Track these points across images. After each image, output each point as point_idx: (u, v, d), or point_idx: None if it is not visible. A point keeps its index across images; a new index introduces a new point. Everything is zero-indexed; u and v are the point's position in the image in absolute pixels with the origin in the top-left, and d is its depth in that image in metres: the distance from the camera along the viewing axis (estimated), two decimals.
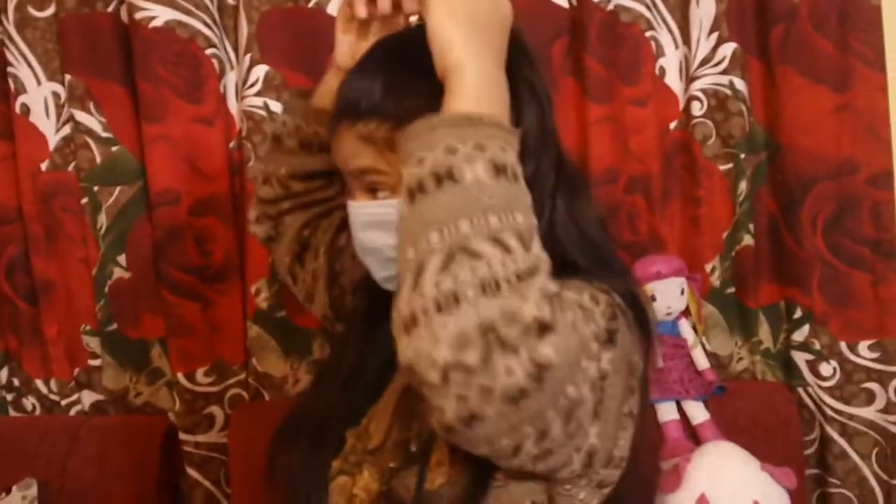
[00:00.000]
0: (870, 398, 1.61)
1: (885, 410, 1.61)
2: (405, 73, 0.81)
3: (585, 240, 0.83)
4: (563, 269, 0.72)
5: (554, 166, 0.83)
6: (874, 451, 1.62)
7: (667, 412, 1.59)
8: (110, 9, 1.66)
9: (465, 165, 0.65)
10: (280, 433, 0.98)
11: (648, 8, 1.61)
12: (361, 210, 0.85)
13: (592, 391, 0.70)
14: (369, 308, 0.99)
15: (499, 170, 0.67)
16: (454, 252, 0.63)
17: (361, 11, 0.90)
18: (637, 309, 0.79)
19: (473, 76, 0.71)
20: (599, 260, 0.83)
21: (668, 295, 1.58)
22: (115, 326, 1.72)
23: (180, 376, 1.68)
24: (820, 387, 1.63)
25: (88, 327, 1.75)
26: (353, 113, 0.82)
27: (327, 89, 1.01)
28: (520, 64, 0.82)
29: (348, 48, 0.97)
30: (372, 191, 0.85)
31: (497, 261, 0.62)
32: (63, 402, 1.77)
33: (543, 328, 0.62)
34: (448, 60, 0.72)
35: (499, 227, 0.64)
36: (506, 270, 0.62)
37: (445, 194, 0.65)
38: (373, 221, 0.84)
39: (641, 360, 0.79)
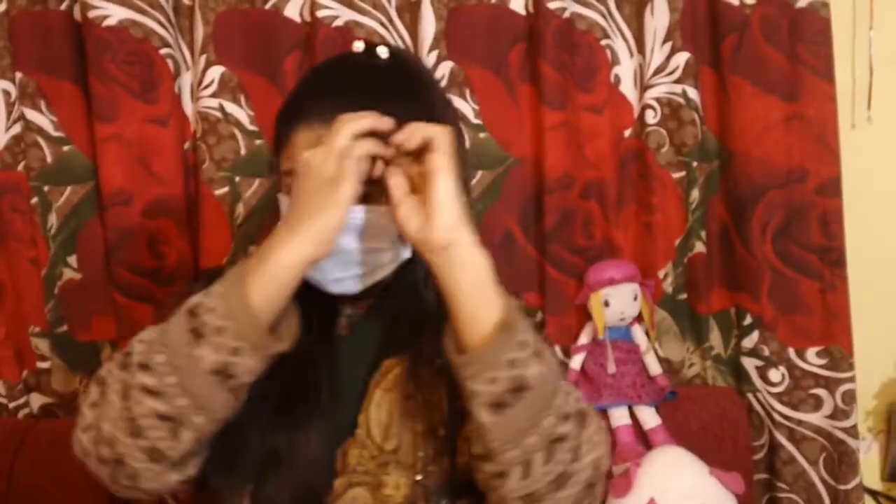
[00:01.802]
0: (817, 404, 1.64)
1: (833, 416, 1.63)
2: (399, 98, 0.87)
3: None
4: None
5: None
6: (822, 457, 1.64)
7: (619, 417, 1.60)
8: (63, 7, 1.64)
9: (527, 372, 0.77)
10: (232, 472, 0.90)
11: (604, 17, 1.62)
12: (356, 215, 0.84)
13: None
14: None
15: (539, 353, 0.79)
16: (550, 446, 0.78)
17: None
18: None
19: (481, 258, 0.79)
20: None
21: (622, 300, 1.60)
22: (64, 328, 1.70)
23: None
24: (769, 392, 1.65)
25: (37, 329, 1.72)
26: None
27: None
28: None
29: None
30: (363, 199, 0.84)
31: (574, 433, 0.79)
32: (11, 405, 1.74)
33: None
34: (455, 235, 0.78)
35: (562, 402, 0.79)
36: (581, 435, 0.80)
37: (525, 401, 0.77)
38: (358, 226, 0.85)
39: None
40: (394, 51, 0.91)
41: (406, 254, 0.91)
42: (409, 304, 0.94)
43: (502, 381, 0.76)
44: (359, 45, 0.92)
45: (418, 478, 0.89)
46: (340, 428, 0.91)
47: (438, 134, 0.78)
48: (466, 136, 0.86)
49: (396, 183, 0.80)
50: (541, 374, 0.77)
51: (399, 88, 0.89)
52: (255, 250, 0.82)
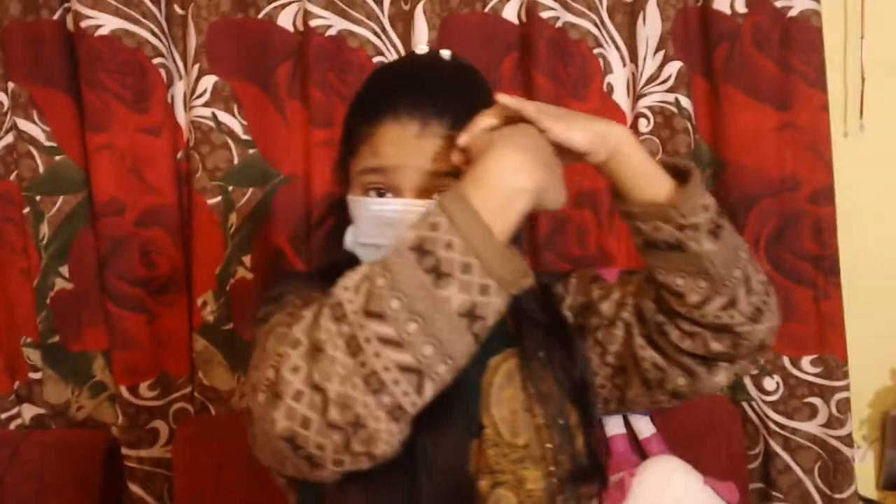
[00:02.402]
0: (812, 412, 1.64)
1: (828, 425, 1.63)
2: (474, 97, 0.91)
3: None
4: None
5: None
6: (817, 465, 1.64)
7: (613, 426, 1.59)
8: (56, 17, 1.64)
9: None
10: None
11: (596, 26, 1.62)
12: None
13: None
14: None
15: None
16: (753, 260, 0.90)
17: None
18: None
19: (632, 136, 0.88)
20: None
21: None
22: (56, 339, 1.69)
23: (123, 390, 1.65)
24: (764, 401, 1.65)
25: (29, 339, 1.71)
26: (450, 118, 0.88)
27: None
28: None
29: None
30: (432, 193, 0.88)
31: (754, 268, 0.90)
32: (2, 416, 1.73)
33: None
34: (614, 130, 0.87)
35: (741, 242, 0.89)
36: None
37: (729, 223, 0.88)
38: None
39: None
40: (453, 53, 0.98)
41: None
42: None
43: (712, 206, 0.85)
44: (423, 48, 0.99)
45: (551, 469, 0.93)
46: (468, 429, 0.92)
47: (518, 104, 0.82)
48: None
49: (539, 108, 0.82)
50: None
51: (464, 84, 0.95)
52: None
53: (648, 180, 0.86)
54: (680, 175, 0.87)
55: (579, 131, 0.82)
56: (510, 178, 0.74)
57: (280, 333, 0.79)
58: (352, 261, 0.90)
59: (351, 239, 0.93)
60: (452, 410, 0.87)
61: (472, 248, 0.70)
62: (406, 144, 0.89)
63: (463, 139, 0.83)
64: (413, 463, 0.84)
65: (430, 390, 0.72)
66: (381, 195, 0.91)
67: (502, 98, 0.82)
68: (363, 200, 0.91)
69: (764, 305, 0.89)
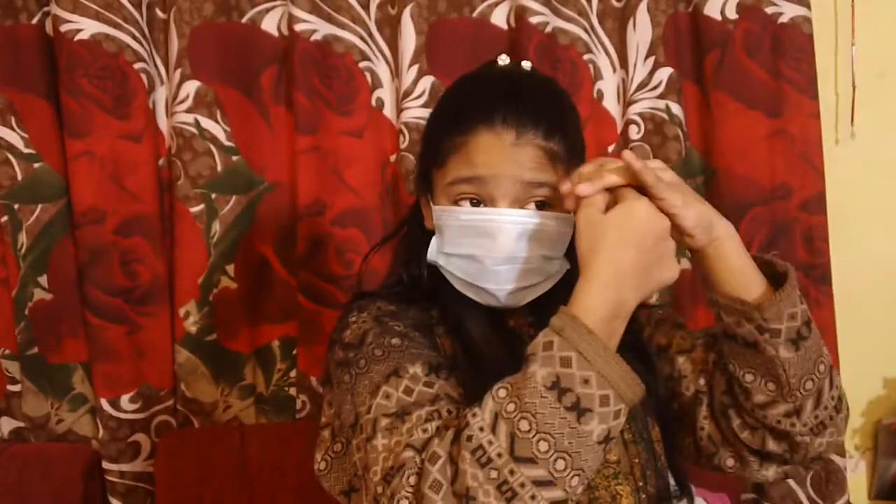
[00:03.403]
0: None
1: None
2: (563, 108, 0.94)
3: None
4: None
5: None
6: (809, 475, 1.62)
7: None
8: (34, 21, 1.61)
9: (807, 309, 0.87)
10: None
11: (586, 31, 1.61)
12: (527, 219, 0.89)
13: None
14: (488, 342, 0.93)
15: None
16: (833, 374, 0.89)
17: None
18: None
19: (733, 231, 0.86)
20: None
21: None
22: (35, 350, 1.66)
23: (104, 402, 1.62)
24: None
25: (7, 351, 1.67)
26: (544, 128, 0.88)
27: None
28: None
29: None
30: (525, 203, 0.89)
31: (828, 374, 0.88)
32: None
33: None
34: (717, 221, 0.85)
35: (823, 354, 0.88)
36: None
37: (814, 333, 0.86)
38: (532, 231, 0.89)
39: None
40: (532, 64, 0.98)
41: (565, 265, 0.93)
42: None
43: (800, 315, 0.84)
44: (504, 59, 0.98)
45: (640, 484, 0.92)
46: None
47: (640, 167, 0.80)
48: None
49: (657, 176, 0.80)
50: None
51: (555, 95, 0.95)
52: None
53: (741, 277, 0.85)
54: (778, 275, 0.86)
55: (693, 210, 0.81)
56: (624, 290, 0.77)
57: (389, 427, 0.80)
58: (431, 272, 0.95)
59: (434, 249, 0.94)
60: None
61: (608, 380, 0.74)
62: (502, 154, 0.88)
63: (584, 189, 0.81)
64: None
65: None
66: (474, 205, 0.91)
67: (627, 156, 0.80)
68: (453, 210, 0.91)
69: (829, 421, 0.89)
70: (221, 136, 1.61)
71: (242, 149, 1.62)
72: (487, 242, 0.89)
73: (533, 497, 0.72)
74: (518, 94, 0.91)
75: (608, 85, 1.63)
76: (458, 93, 0.98)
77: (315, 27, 1.57)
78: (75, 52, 1.55)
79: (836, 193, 1.61)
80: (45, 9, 1.60)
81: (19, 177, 1.62)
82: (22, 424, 1.69)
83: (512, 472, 0.72)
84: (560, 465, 0.72)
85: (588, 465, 0.74)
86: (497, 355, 0.90)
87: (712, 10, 1.58)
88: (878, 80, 1.66)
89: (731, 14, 1.58)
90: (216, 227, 1.63)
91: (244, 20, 1.60)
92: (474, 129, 0.89)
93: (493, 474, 0.72)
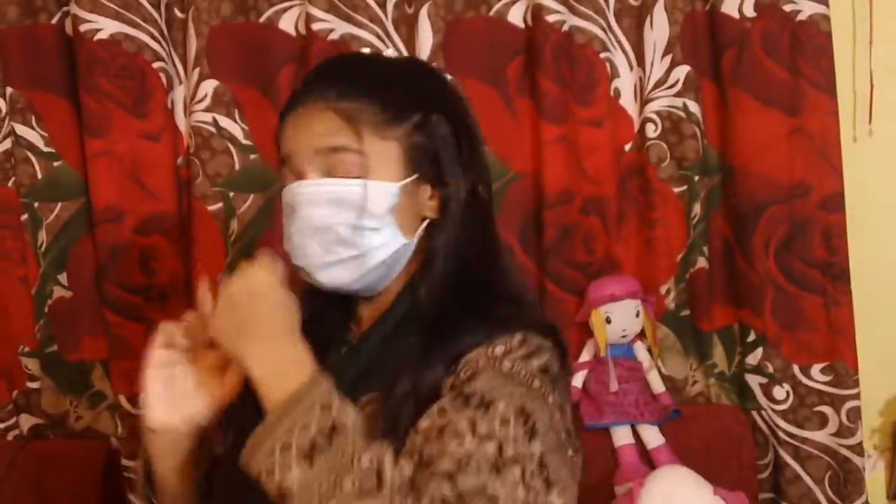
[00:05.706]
0: (822, 421, 1.61)
1: (838, 434, 1.60)
2: (379, 72, 0.92)
3: (509, 289, 0.93)
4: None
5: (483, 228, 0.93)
6: (827, 475, 1.62)
7: (622, 436, 1.57)
8: (54, 21, 1.62)
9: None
10: None
11: (603, 30, 1.60)
12: (321, 187, 0.86)
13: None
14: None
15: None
16: None
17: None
18: (559, 344, 0.91)
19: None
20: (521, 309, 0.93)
21: (624, 317, 1.57)
22: (55, 348, 1.67)
23: (123, 399, 1.63)
24: (773, 410, 1.63)
25: (27, 348, 1.68)
26: (335, 90, 0.87)
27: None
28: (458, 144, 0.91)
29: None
30: (328, 172, 0.87)
31: None
32: (0, 426, 1.71)
33: None
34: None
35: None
36: None
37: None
38: (333, 199, 0.86)
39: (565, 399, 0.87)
40: (393, 51, 1.01)
41: (405, 239, 0.89)
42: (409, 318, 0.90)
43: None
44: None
45: None
46: None
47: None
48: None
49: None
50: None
51: (356, 63, 0.96)
52: None
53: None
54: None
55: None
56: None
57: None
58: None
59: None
60: None
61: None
62: (295, 127, 0.90)
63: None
64: None
65: None
66: None
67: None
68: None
69: None
70: (239, 134, 1.62)
71: (260, 147, 1.63)
72: (292, 218, 0.88)
73: None
74: (318, 69, 0.94)
75: (625, 83, 1.63)
76: None
77: (332, 26, 1.57)
78: (94, 52, 1.57)
79: (855, 191, 1.60)
80: (65, 9, 1.61)
81: (39, 175, 1.63)
82: (41, 421, 1.70)
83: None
84: None
85: None
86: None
87: (730, 7, 1.57)
88: None
89: (749, 12, 1.57)
90: (234, 225, 1.63)
91: (262, 20, 1.61)
92: (284, 113, 0.92)
93: None
